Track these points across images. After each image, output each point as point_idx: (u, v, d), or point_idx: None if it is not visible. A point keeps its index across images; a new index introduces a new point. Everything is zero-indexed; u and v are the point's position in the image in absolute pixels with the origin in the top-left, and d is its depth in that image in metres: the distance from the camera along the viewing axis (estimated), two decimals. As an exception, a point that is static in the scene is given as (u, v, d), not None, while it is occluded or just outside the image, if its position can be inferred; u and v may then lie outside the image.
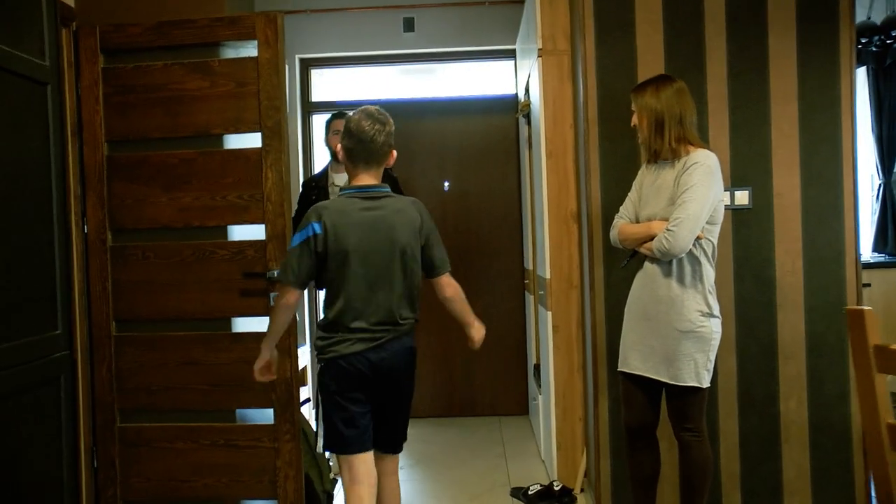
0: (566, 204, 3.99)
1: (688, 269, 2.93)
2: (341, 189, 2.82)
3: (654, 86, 3.01)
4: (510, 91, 5.71)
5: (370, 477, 2.75)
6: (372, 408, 2.77)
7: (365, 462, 2.75)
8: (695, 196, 2.85)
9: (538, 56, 4.00)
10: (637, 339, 3.05)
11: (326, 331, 2.75)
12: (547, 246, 4.02)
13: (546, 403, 4.24)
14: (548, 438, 4.22)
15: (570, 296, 4.00)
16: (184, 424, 3.57)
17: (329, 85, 6.01)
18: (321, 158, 5.93)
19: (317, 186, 4.29)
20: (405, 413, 2.89)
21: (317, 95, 5.91)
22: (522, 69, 4.97)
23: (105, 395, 3.58)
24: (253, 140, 3.51)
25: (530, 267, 4.99)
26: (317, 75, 5.93)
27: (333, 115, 4.42)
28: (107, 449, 3.58)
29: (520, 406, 5.66)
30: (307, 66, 5.82)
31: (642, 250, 3.03)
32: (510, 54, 5.59)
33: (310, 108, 5.85)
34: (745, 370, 3.51)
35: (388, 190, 2.77)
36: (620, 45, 3.50)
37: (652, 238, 2.95)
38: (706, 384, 2.95)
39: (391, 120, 2.78)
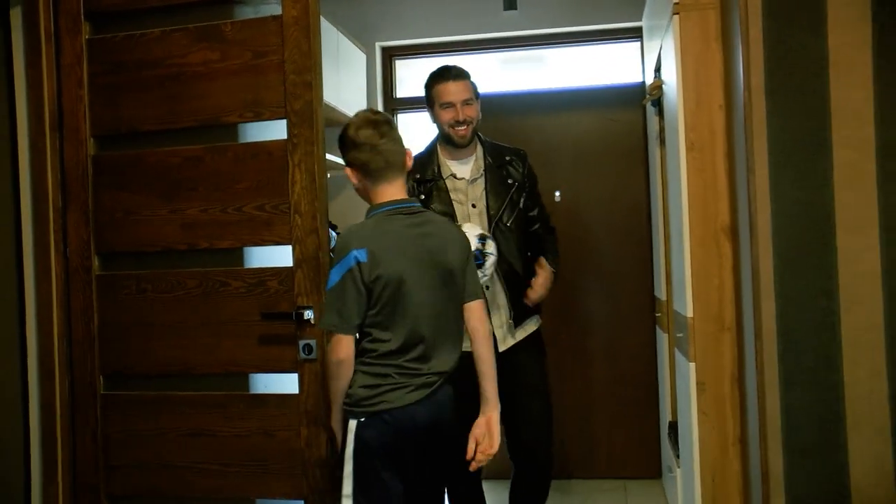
0: (715, 214, 3.07)
1: None
2: (373, 210, 2.46)
3: None
4: (635, 79, 4.93)
5: None
6: (405, 489, 2.40)
7: None
8: None
9: (673, 14, 3.11)
10: None
11: (375, 376, 2.36)
12: (687, 272, 3.11)
13: (688, 485, 3.35)
14: (691, 531, 3.31)
15: (721, 341, 3.07)
16: (190, 521, 2.81)
17: (416, 78, 5.24)
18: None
19: (425, 182, 3.21)
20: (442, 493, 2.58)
21: (402, 91, 5.18)
22: (651, 51, 4.19)
23: (89, 476, 2.83)
24: (276, 129, 2.72)
25: (662, 297, 4.16)
26: (402, 67, 5.20)
27: (434, 75, 3.27)
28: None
29: (650, 468, 4.87)
30: (390, 55, 5.10)
31: None
32: (635, 34, 4.82)
33: (394, 105, 5.11)
34: None
35: (420, 205, 2.54)
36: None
37: None
38: None
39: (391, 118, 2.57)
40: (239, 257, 2.86)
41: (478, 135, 3.21)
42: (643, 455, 4.89)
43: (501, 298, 3.11)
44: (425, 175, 3.14)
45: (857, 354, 2.43)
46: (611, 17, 4.76)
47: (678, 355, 3.52)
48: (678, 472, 3.69)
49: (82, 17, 2.80)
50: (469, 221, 3.05)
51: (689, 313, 3.10)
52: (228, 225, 2.71)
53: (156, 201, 2.76)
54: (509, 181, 3.17)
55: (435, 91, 3.16)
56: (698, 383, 3.07)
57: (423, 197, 3.11)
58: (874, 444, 2.42)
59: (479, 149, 3.20)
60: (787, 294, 2.50)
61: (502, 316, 3.11)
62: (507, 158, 3.22)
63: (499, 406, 2.50)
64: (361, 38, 4.71)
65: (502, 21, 4.84)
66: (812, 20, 2.48)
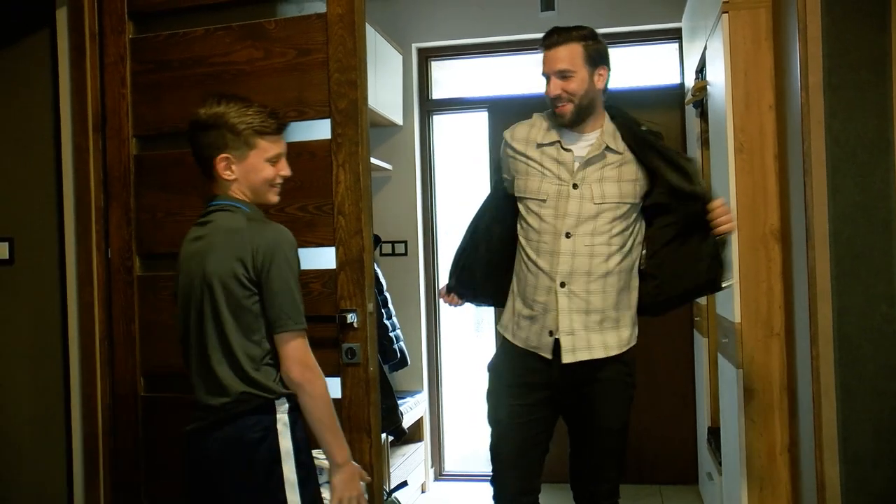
0: (764, 217, 3.01)
1: None
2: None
3: None
4: (674, 80, 4.84)
5: None
6: None
7: None
8: None
9: (722, 13, 3.03)
10: None
11: None
12: (736, 276, 3.02)
13: (732, 492, 3.30)
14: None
15: (770, 347, 3.01)
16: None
17: (452, 79, 5.26)
18: (444, 167, 5.13)
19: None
20: None
21: (438, 92, 5.11)
22: (692, 52, 4.13)
23: (129, 476, 2.78)
24: (320, 129, 2.64)
25: (702, 301, 4.06)
26: (438, 68, 5.13)
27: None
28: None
29: (686, 474, 4.80)
30: (426, 57, 5.03)
31: None
32: (673, 35, 4.73)
33: (429, 106, 5.03)
34: None
35: (227, 202, 2.15)
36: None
37: None
38: None
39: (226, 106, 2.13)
40: (281, 259, 2.78)
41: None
42: (679, 461, 4.82)
43: None
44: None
45: (918, 363, 2.34)
46: (649, 18, 4.68)
47: (722, 361, 3.44)
48: (720, 479, 3.64)
49: (126, 16, 2.76)
50: None
51: (737, 318, 3.03)
52: None
53: (197, 201, 2.67)
54: None
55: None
56: (746, 390, 3.02)
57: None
58: (935, 454, 2.34)
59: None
60: (844, 300, 2.41)
61: None
62: None
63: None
64: (397, 39, 4.66)
65: (540, 22, 4.71)
66: (875, 14, 2.38)
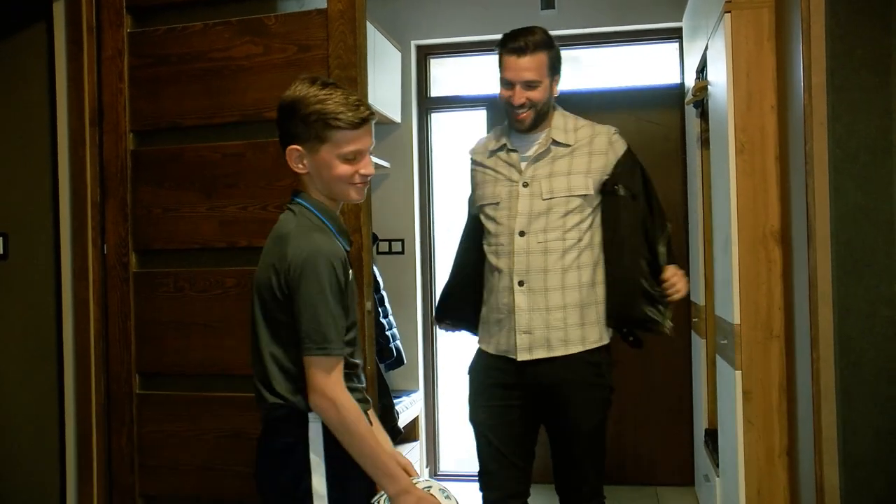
0: (764, 219, 2.98)
1: None
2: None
3: None
4: (673, 80, 4.83)
5: None
6: None
7: None
8: None
9: (724, 13, 3.01)
10: None
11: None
12: (734, 278, 3.02)
13: (729, 494, 3.28)
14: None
15: (769, 349, 2.98)
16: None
17: (451, 77, 5.21)
18: (442, 165, 5.09)
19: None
20: None
21: (436, 90, 5.08)
22: (692, 52, 4.12)
23: (124, 475, 2.75)
24: None
25: (700, 302, 4.06)
26: (437, 66, 5.10)
27: (504, 38, 2.65)
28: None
29: (682, 475, 4.79)
30: (425, 54, 5.00)
31: None
32: (673, 34, 4.72)
33: (428, 104, 5.01)
34: None
35: (296, 201, 2.01)
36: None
37: None
38: None
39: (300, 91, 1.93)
40: (279, 256, 2.76)
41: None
42: (676, 462, 4.80)
43: None
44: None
45: (919, 366, 2.33)
46: (649, 17, 4.66)
47: (721, 362, 3.42)
48: (717, 481, 3.61)
49: (124, 10, 2.75)
50: None
51: (736, 320, 3.01)
52: (269, 223, 2.54)
53: (195, 198, 2.69)
54: None
55: (500, 58, 2.57)
56: (745, 392, 2.99)
57: None
58: (935, 458, 2.33)
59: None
60: (845, 302, 2.39)
61: None
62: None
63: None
64: (396, 36, 4.63)
65: (539, 20, 4.65)
66: (879, 14, 2.36)
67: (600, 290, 2.59)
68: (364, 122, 1.91)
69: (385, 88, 4.40)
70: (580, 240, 2.53)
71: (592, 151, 2.59)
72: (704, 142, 3.87)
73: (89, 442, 2.76)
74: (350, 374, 1.98)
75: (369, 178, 1.99)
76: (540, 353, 2.50)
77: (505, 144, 2.62)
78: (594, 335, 2.56)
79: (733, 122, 3.00)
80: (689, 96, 4.15)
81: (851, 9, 2.38)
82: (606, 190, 2.60)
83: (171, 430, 2.75)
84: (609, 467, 4.88)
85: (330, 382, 1.86)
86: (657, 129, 4.79)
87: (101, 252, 2.77)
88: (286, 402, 1.92)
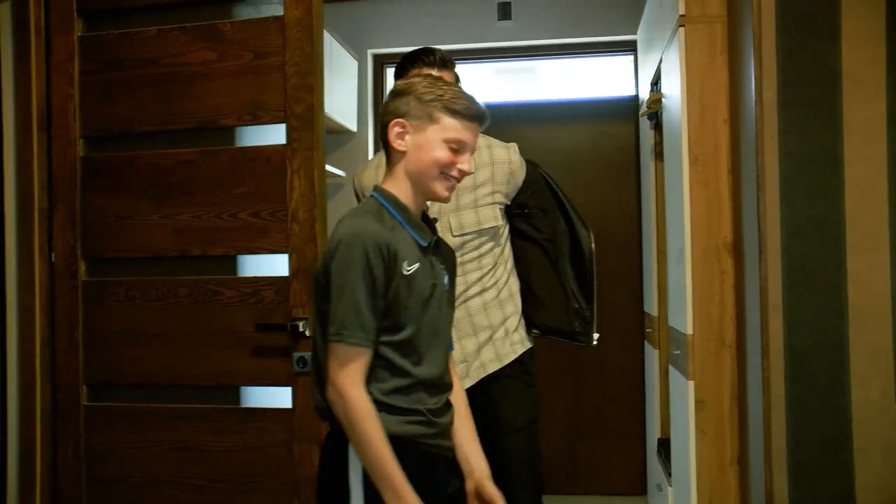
0: (717, 230, 3.01)
1: None
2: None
3: None
4: (628, 92, 4.87)
5: None
6: None
7: None
8: None
9: (678, 27, 3.05)
10: None
11: None
12: (688, 289, 3.03)
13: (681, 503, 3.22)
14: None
15: (721, 359, 3.00)
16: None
17: None
18: None
19: None
20: None
21: None
22: (646, 64, 4.16)
23: (70, 489, 2.69)
24: (275, 134, 2.60)
25: (653, 312, 4.09)
26: (393, 75, 5.01)
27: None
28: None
29: (634, 484, 4.81)
30: (381, 63, 4.99)
31: None
32: (628, 47, 4.75)
33: None
34: None
35: (374, 193, 1.94)
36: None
37: None
38: None
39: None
40: (232, 265, 2.72)
41: None
42: (629, 472, 4.81)
43: None
44: None
45: (867, 375, 2.36)
46: (605, 29, 4.69)
47: (673, 372, 3.44)
48: (670, 489, 3.62)
49: (75, 13, 2.69)
50: None
51: (689, 330, 3.02)
52: (222, 231, 2.59)
53: (147, 205, 2.64)
54: None
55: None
56: (697, 401, 2.99)
57: None
58: (882, 466, 2.36)
59: None
60: (795, 313, 2.42)
61: None
62: None
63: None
64: (353, 45, 4.61)
65: (496, 31, 4.75)
66: (827, 34, 2.40)
67: (518, 298, 2.62)
68: (479, 118, 1.89)
69: (341, 97, 4.38)
70: (496, 262, 2.54)
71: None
72: (658, 154, 3.91)
73: (33, 454, 2.68)
74: (387, 375, 1.84)
75: (461, 179, 1.92)
76: (478, 374, 2.53)
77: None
78: (518, 340, 2.61)
79: (687, 135, 3.02)
80: (643, 108, 4.19)
81: (802, 25, 2.42)
82: (514, 213, 2.60)
83: (120, 441, 2.68)
84: (561, 477, 4.92)
85: (342, 373, 1.76)
86: (612, 141, 4.82)
87: (49, 260, 2.70)
88: (325, 405, 1.84)
